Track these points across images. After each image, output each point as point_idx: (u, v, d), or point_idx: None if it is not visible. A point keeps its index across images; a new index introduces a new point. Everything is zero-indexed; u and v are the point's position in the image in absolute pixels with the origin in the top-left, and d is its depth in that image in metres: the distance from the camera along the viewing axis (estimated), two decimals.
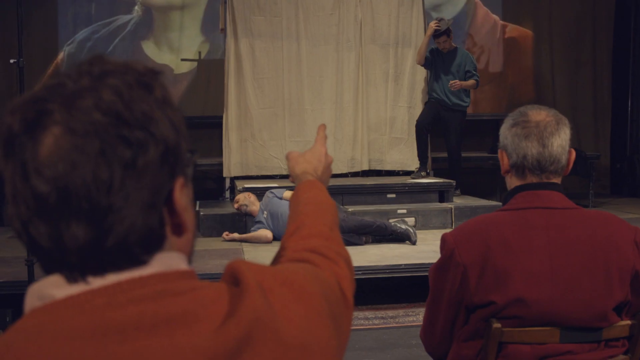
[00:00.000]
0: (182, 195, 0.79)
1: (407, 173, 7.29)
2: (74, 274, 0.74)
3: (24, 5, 8.67)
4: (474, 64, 6.96)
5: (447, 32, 6.85)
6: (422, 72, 7.47)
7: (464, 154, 7.44)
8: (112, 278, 0.74)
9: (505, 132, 1.84)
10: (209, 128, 8.19)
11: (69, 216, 0.72)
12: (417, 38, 7.56)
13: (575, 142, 9.46)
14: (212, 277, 4.46)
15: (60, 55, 8.80)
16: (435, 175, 7.29)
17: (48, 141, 0.71)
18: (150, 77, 0.78)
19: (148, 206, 0.74)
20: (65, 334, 0.71)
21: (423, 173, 7.04)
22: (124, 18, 8.92)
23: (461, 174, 7.16)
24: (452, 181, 6.78)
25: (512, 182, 1.86)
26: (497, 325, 1.70)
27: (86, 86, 0.73)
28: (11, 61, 2.96)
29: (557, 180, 1.83)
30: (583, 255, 1.73)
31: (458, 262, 1.75)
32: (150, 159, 0.74)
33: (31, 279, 3.48)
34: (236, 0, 7.23)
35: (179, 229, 0.80)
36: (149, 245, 0.76)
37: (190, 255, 0.84)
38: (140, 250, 0.75)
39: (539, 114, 1.83)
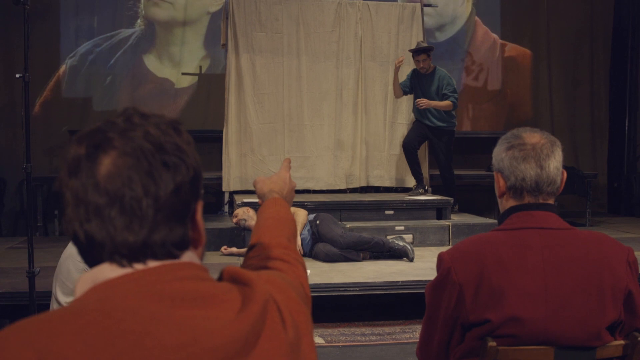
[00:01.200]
0: (201, 215, 1.04)
1: (405, 190, 7.32)
2: (122, 262, 0.95)
3: (28, 17, 8.75)
4: (452, 85, 6.83)
5: (426, 50, 6.80)
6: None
7: (461, 172, 7.47)
8: (152, 264, 0.96)
9: (501, 155, 1.86)
10: (208, 142, 8.22)
11: (122, 220, 0.93)
12: None
13: (573, 160, 9.57)
14: None
15: (62, 68, 8.85)
16: (433, 193, 7.32)
17: (107, 162, 0.93)
18: (178, 124, 1.03)
19: (181, 217, 0.98)
20: (131, 295, 0.91)
21: (421, 190, 7.08)
22: (126, 32, 8.98)
23: (456, 191, 7.17)
24: (449, 198, 6.81)
25: (507, 203, 1.89)
26: (492, 343, 1.72)
27: (136, 123, 0.97)
28: (17, 76, 3.00)
29: (551, 201, 1.86)
30: (577, 275, 1.76)
31: (454, 281, 1.78)
32: (183, 180, 0.97)
33: (32, 291, 3.49)
34: (238, 16, 7.29)
35: (196, 243, 1.03)
36: (180, 246, 0.98)
37: None
38: (174, 248, 0.98)
39: (534, 137, 1.86)
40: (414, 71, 6.94)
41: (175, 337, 0.89)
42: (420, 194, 7.02)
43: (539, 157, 1.82)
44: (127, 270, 0.95)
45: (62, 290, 2.97)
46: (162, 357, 0.87)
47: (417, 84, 6.93)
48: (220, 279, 1.05)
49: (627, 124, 9.66)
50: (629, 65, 9.68)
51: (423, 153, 7.48)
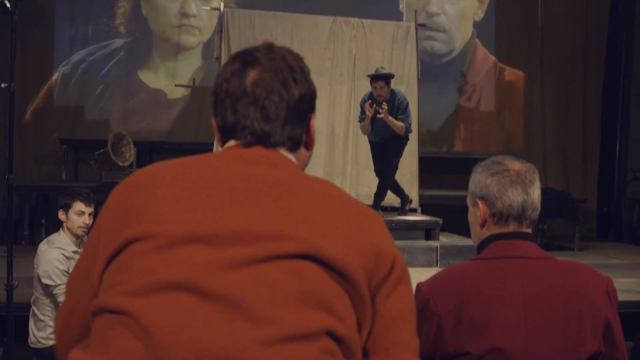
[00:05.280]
0: (314, 123, 1.34)
1: (395, 209, 7.30)
2: (250, 140, 1.26)
3: (21, 25, 8.73)
4: (407, 111, 6.47)
5: (386, 78, 6.41)
6: (413, 109, 7.50)
7: (452, 192, 7.43)
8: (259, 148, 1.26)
9: (485, 182, 1.85)
10: (200, 154, 8.18)
11: (260, 115, 1.26)
12: (410, 74, 7.63)
13: (563, 184, 9.57)
14: None
15: (55, 76, 8.83)
16: (423, 213, 7.31)
17: (254, 73, 1.26)
18: (302, 57, 1.34)
19: (302, 120, 1.30)
20: (222, 155, 1.27)
21: (408, 205, 7.00)
22: (120, 41, 8.97)
23: (386, 189, 6.81)
24: (438, 219, 6.78)
25: (487, 231, 1.87)
26: None
27: (275, 50, 1.30)
28: (2, 85, 2.97)
29: (530, 229, 1.86)
30: (556, 305, 1.74)
31: (433, 312, 1.76)
32: (305, 93, 1.29)
33: (10, 303, 3.44)
34: (232, 30, 7.29)
35: (308, 144, 1.34)
36: (296, 143, 1.29)
37: (303, 167, 1.35)
38: (291, 143, 1.28)
39: (515, 164, 1.87)
40: (371, 98, 6.53)
41: (219, 173, 1.21)
42: (408, 212, 6.97)
43: (525, 184, 1.82)
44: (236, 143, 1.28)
45: (41, 273, 3.60)
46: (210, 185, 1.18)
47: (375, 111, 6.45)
48: None
49: (618, 148, 9.70)
50: (620, 90, 9.74)
51: (414, 174, 7.47)
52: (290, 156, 1.28)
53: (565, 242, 8.19)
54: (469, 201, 1.94)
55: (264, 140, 1.25)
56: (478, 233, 1.90)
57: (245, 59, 1.28)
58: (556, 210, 7.93)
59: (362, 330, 1.15)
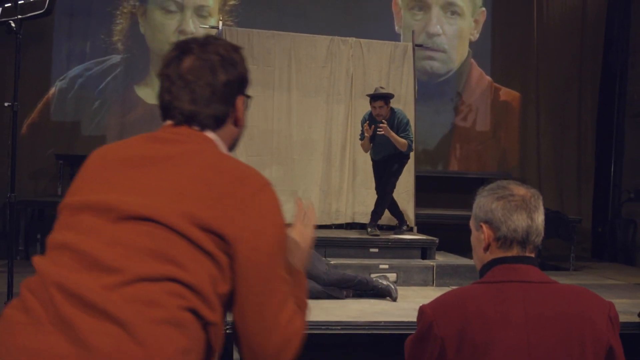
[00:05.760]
0: (241, 103, 1.59)
1: (391, 228, 7.30)
2: (180, 120, 1.54)
3: (21, 40, 8.72)
4: (407, 129, 6.52)
5: (385, 98, 6.44)
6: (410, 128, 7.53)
7: (448, 212, 7.43)
8: (194, 129, 1.54)
9: (491, 206, 1.86)
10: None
11: (189, 97, 1.53)
12: (407, 94, 7.67)
13: (558, 204, 9.57)
14: None
15: (52, 90, 8.83)
16: (419, 232, 7.31)
17: (188, 60, 1.52)
18: (239, 48, 1.61)
19: (227, 101, 1.55)
20: (142, 136, 1.54)
21: (405, 227, 7.03)
22: (117, 57, 8.99)
23: (383, 207, 6.84)
24: (434, 238, 6.78)
25: (491, 255, 1.88)
26: None
27: (211, 42, 1.57)
28: (5, 104, 2.98)
29: (534, 254, 1.87)
30: (559, 330, 1.75)
31: (436, 335, 1.76)
32: (231, 79, 1.55)
33: None
34: None
35: (237, 122, 1.60)
36: (221, 120, 1.56)
37: (233, 145, 1.61)
38: (215, 121, 1.55)
39: (520, 189, 1.88)
40: (370, 115, 6.59)
41: (126, 152, 1.51)
42: (405, 231, 6.99)
43: (529, 209, 1.84)
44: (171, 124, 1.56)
45: None
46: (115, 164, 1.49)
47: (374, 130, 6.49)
48: None
49: (612, 169, 9.74)
50: (615, 111, 9.79)
51: (410, 193, 7.48)
52: (212, 134, 1.54)
53: (560, 262, 8.19)
54: (472, 224, 1.95)
55: (190, 120, 1.53)
56: (481, 256, 1.91)
57: (183, 48, 1.54)
58: (552, 230, 7.95)
59: (224, 277, 1.38)
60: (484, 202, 1.89)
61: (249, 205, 1.40)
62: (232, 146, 1.61)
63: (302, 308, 1.51)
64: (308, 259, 1.68)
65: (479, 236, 1.90)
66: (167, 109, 1.55)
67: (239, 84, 1.57)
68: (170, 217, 1.36)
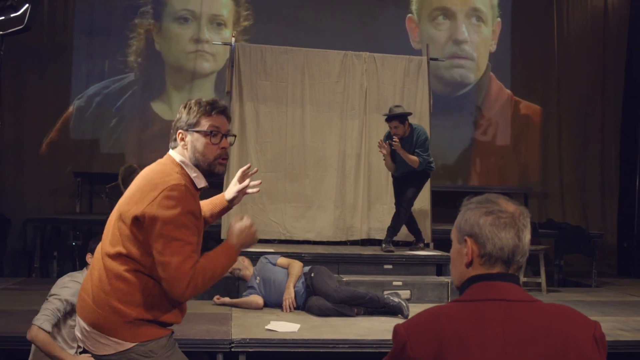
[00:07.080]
0: (181, 134, 2.53)
1: (407, 244, 7.20)
2: None
3: (40, 61, 8.82)
4: (424, 146, 6.51)
5: (399, 118, 6.41)
6: (427, 145, 7.43)
7: None
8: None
9: (478, 220, 1.78)
10: (210, 189, 8.13)
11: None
12: (422, 108, 7.59)
13: (581, 219, 9.37)
14: (195, 344, 4.36)
15: (70, 109, 8.93)
16: (436, 248, 7.20)
17: None
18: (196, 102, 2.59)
19: (175, 134, 2.55)
20: None
21: (421, 244, 6.96)
22: (133, 75, 9.07)
23: (399, 222, 6.79)
24: (449, 254, 6.65)
25: (472, 271, 1.80)
26: None
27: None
28: None
29: (517, 273, 1.78)
30: (540, 351, 1.66)
31: (409, 356, 1.68)
32: (176, 119, 2.55)
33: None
34: (243, 64, 7.32)
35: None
36: (174, 146, 2.53)
37: (193, 150, 2.52)
38: (173, 146, 2.53)
39: (509, 205, 1.79)
40: (389, 135, 6.58)
41: None
42: (421, 249, 6.90)
43: (518, 228, 1.75)
44: None
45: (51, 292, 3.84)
46: None
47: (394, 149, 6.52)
48: None
49: (637, 183, 9.53)
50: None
51: (426, 208, 7.39)
52: (173, 152, 2.52)
53: (582, 279, 8.00)
54: (454, 236, 1.87)
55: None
56: (462, 271, 1.82)
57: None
58: (573, 245, 7.77)
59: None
60: (471, 215, 1.80)
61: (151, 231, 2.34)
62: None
63: (209, 260, 2.40)
64: (247, 240, 2.56)
65: (462, 250, 1.82)
66: None
67: (182, 124, 2.52)
68: (122, 214, 2.42)
